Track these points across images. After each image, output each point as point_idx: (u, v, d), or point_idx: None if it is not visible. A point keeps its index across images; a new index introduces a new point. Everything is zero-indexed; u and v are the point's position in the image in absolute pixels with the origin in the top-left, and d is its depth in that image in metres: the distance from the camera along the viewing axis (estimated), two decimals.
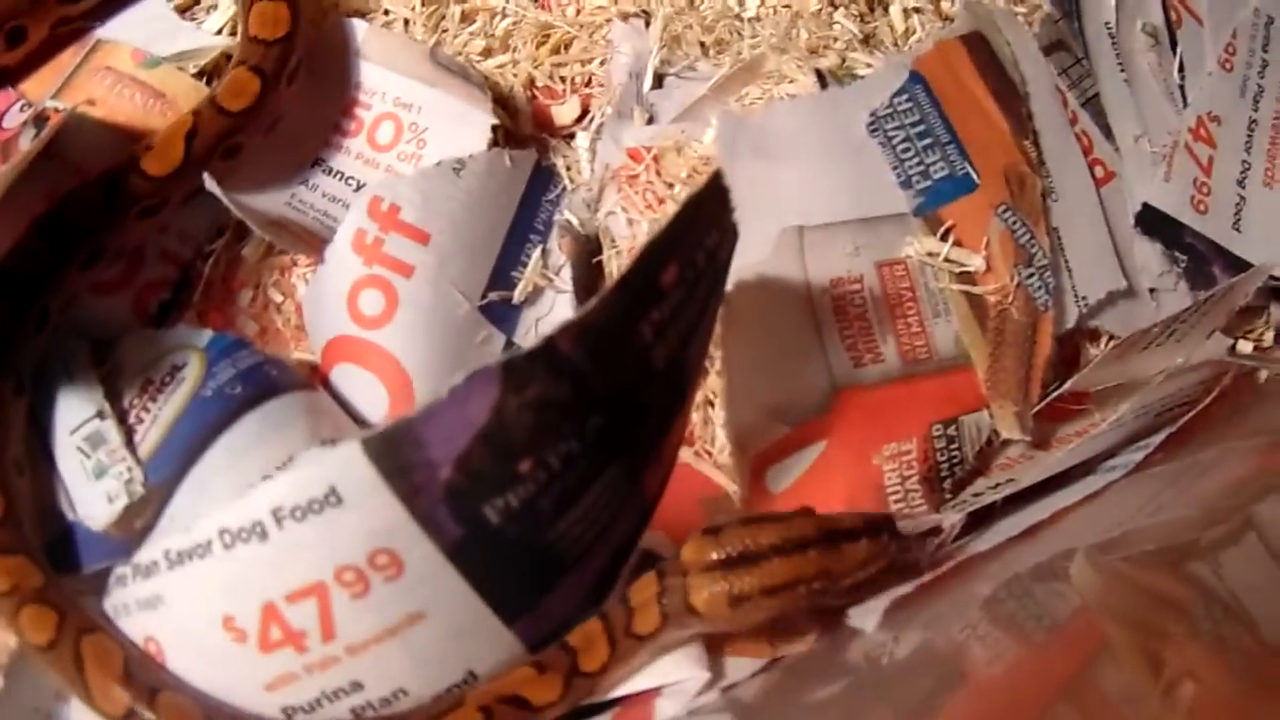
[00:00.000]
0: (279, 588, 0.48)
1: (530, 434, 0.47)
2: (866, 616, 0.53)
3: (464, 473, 0.47)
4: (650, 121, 0.63)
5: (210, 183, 0.59)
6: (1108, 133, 0.69)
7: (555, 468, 0.48)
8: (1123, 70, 0.70)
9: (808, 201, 0.60)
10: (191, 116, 0.60)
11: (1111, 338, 0.65)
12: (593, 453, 0.48)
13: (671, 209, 0.58)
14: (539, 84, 0.66)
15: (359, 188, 0.63)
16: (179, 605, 0.50)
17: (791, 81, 0.63)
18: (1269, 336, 0.70)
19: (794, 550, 0.51)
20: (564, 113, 0.65)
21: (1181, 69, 0.71)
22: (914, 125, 0.62)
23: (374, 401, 0.60)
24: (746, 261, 0.57)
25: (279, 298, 0.63)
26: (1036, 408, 0.62)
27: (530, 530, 0.49)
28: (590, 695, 0.53)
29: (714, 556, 0.50)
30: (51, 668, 0.52)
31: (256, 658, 0.49)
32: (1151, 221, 0.67)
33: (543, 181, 0.64)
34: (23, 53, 0.65)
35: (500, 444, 0.46)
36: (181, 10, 0.67)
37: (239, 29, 0.64)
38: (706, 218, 0.49)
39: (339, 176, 0.64)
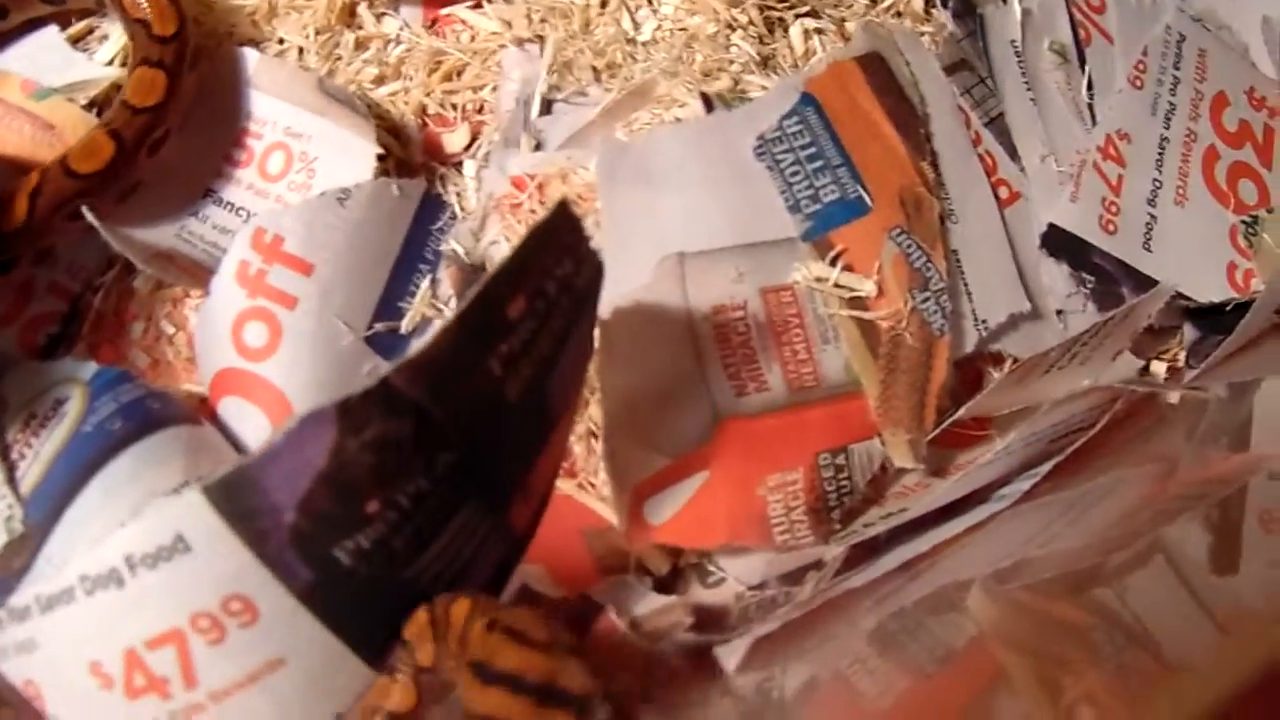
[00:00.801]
0: (138, 634, 0.49)
1: (373, 474, 0.47)
2: (729, 656, 0.53)
3: (308, 516, 0.47)
4: (538, 148, 0.63)
5: (92, 218, 0.59)
6: (1013, 153, 0.69)
7: (405, 506, 0.48)
8: (1029, 89, 0.70)
9: (690, 228, 0.60)
10: (38, 175, 0.60)
11: (1015, 361, 0.65)
12: (445, 490, 0.49)
13: None
14: (430, 111, 0.66)
15: (249, 218, 0.63)
16: (51, 649, 0.51)
17: (682, 106, 0.63)
18: (1182, 357, 0.69)
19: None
20: (454, 140, 0.65)
21: (1090, 87, 0.71)
22: (804, 148, 0.62)
23: (259, 434, 0.60)
24: (625, 290, 0.57)
25: (171, 329, 0.64)
26: (931, 435, 0.61)
27: (385, 569, 0.49)
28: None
29: None
30: None
31: (125, 704, 0.50)
32: (1058, 242, 0.67)
33: (432, 211, 0.64)
34: None
35: (343, 486, 0.47)
36: (74, 40, 0.67)
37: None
38: (557, 246, 0.49)
39: (229, 207, 0.64)
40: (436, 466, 0.49)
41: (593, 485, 0.60)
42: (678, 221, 0.60)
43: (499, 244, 0.62)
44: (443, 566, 0.51)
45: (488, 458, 0.51)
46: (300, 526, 0.47)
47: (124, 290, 0.64)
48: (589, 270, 0.51)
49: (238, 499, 0.46)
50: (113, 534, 0.48)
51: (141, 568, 0.48)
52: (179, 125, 0.64)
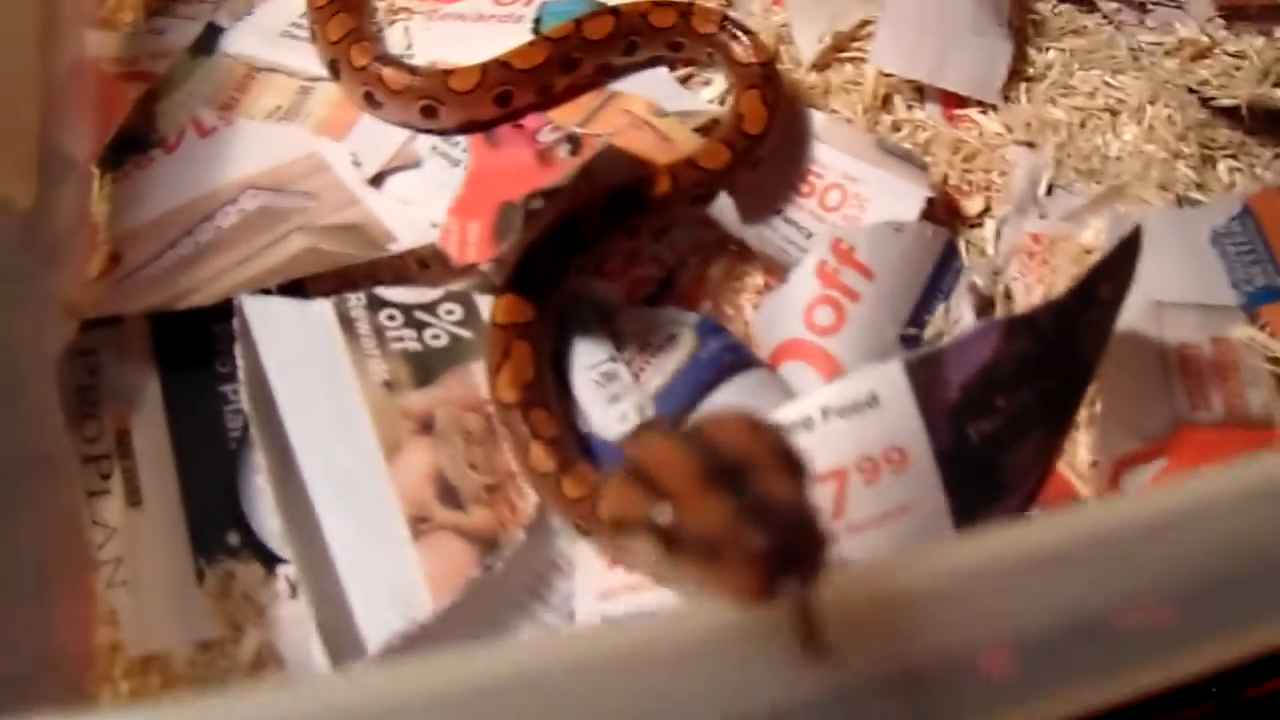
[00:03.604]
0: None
1: (1010, 376, 0.69)
2: None
3: (965, 395, 0.69)
4: (1042, 218, 0.88)
5: (717, 209, 0.83)
6: None
7: (1017, 408, 0.70)
8: None
9: (1168, 283, 0.83)
10: (671, 165, 0.84)
11: None
12: (1039, 405, 0.71)
13: (1059, 282, 0.82)
14: (950, 183, 0.90)
15: (809, 235, 0.87)
16: None
17: (1147, 203, 0.87)
18: None
19: None
20: (970, 206, 0.89)
21: None
22: (1244, 243, 0.86)
23: (811, 389, 0.82)
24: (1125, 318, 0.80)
25: (730, 311, 0.86)
26: None
27: (990, 455, 0.70)
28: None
29: None
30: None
31: None
32: None
33: (951, 254, 0.88)
34: (545, 98, 0.90)
35: (992, 377, 0.68)
36: (681, 80, 0.92)
37: (729, 103, 0.89)
38: (1126, 263, 0.72)
39: (793, 224, 0.88)
40: (1039, 386, 0.71)
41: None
42: (1159, 278, 0.84)
43: (1017, 279, 0.85)
44: (1015, 472, 0.72)
45: (1061, 395, 0.73)
46: (957, 402, 0.69)
47: (701, 274, 0.87)
48: (1125, 288, 0.74)
49: (927, 371, 0.68)
50: (815, 391, 0.71)
51: (834, 416, 0.69)
52: (768, 156, 0.88)
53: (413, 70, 0.87)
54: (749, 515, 0.35)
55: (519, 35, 0.90)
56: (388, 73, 0.86)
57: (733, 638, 0.37)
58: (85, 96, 0.89)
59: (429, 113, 0.86)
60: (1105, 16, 0.98)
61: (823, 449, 0.67)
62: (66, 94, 0.86)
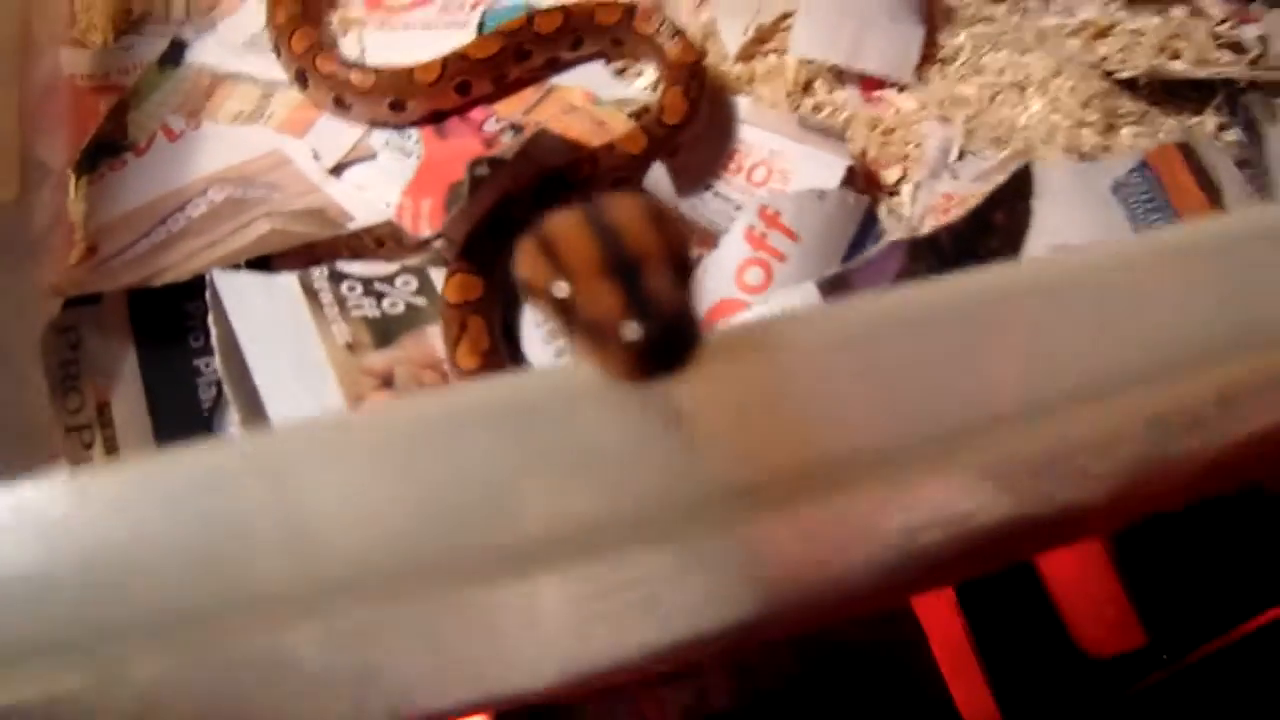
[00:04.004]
0: None
1: None
2: None
3: None
4: (954, 179, 0.95)
5: (652, 183, 0.90)
6: None
7: None
8: None
9: (1073, 228, 0.91)
10: (602, 147, 0.92)
11: None
12: None
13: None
14: (869, 155, 0.98)
15: (738, 207, 0.94)
16: None
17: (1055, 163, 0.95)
18: None
19: None
20: (888, 175, 0.97)
21: None
22: (1144, 194, 0.93)
23: None
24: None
25: None
26: None
27: None
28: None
29: None
30: None
31: None
32: None
33: (870, 219, 0.95)
34: (499, 87, 0.98)
35: None
36: (617, 73, 1.00)
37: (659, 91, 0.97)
38: (1019, 195, 0.79)
39: (723, 198, 0.95)
40: None
41: None
42: (1052, 221, 0.91)
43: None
44: None
45: None
46: None
47: None
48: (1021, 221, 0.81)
49: (837, 287, 0.76)
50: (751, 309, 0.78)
51: None
52: (691, 142, 0.96)
53: (377, 71, 0.94)
54: (634, 308, 0.39)
55: (464, 40, 0.97)
56: (355, 75, 0.93)
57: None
58: (60, 109, 0.96)
59: (397, 107, 0.94)
60: (1015, 2, 1.06)
61: None
62: (42, 107, 0.93)
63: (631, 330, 0.39)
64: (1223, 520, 1.17)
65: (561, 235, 0.43)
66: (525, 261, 0.44)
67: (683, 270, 0.42)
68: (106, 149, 0.94)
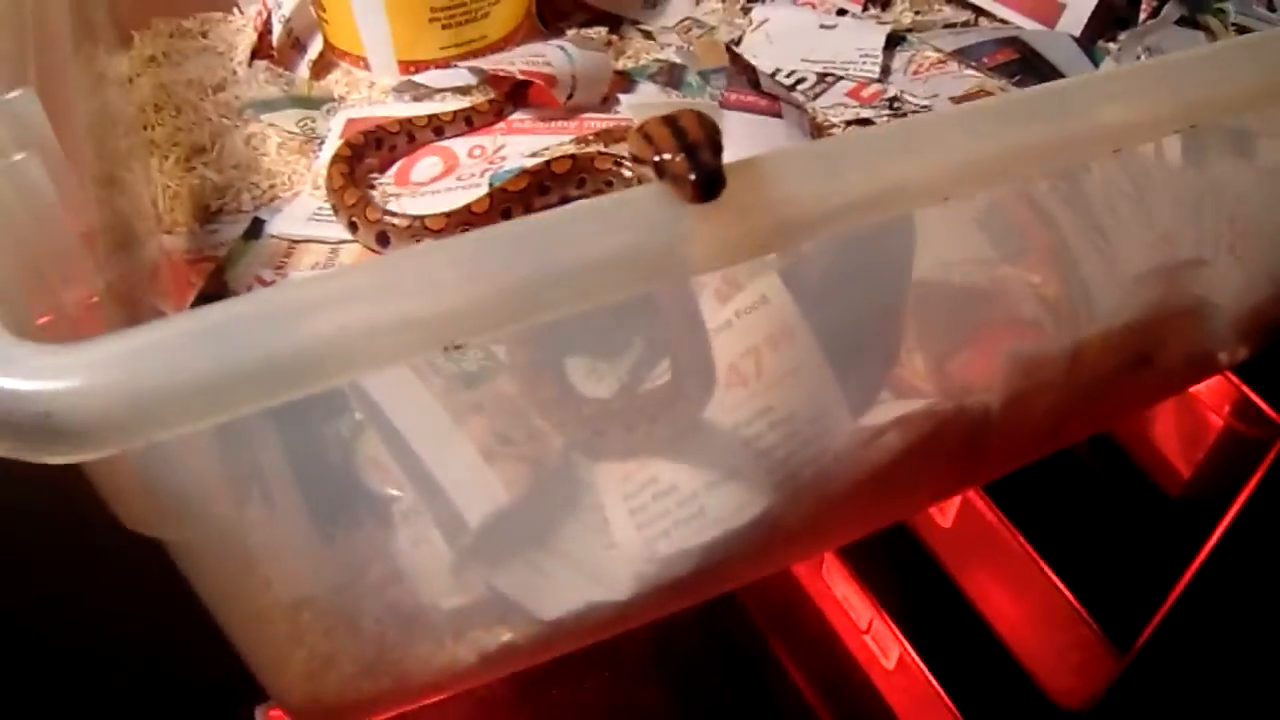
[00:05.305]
0: None
1: None
2: None
3: (823, 284, 1.07)
4: None
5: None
6: None
7: None
8: None
9: None
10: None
11: None
12: None
13: None
14: None
15: None
16: None
17: None
18: None
19: None
20: None
21: None
22: None
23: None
24: None
25: None
26: None
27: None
28: None
29: None
30: None
31: None
32: None
33: None
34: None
35: None
36: None
37: None
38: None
39: None
40: None
41: None
42: None
43: None
44: None
45: None
46: (819, 292, 1.07)
47: None
48: None
49: (799, 272, 1.06)
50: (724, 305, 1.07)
51: (744, 315, 1.06)
52: None
53: (410, 217, 1.25)
54: (694, 167, 0.74)
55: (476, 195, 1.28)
56: (398, 220, 1.25)
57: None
58: (166, 279, 1.25)
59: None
60: None
61: (741, 337, 1.03)
62: (153, 278, 1.23)
63: (691, 181, 0.75)
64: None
65: (654, 129, 0.78)
66: (634, 143, 0.80)
67: (717, 146, 0.77)
68: (213, 299, 1.23)
